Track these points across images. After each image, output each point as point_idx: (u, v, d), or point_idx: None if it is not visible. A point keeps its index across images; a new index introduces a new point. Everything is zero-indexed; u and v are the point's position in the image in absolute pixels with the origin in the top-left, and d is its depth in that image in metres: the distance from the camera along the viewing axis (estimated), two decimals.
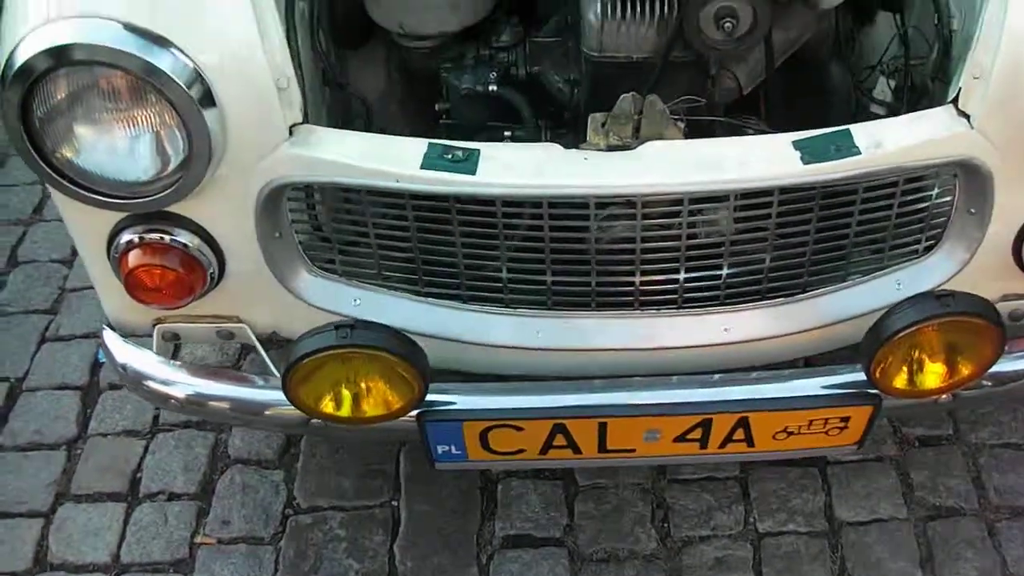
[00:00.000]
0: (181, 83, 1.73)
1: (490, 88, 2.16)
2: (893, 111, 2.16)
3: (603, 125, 1.85)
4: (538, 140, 2.18)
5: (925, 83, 2.10)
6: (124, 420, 2.91)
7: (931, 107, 2.02)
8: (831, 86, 2.37)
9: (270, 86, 1.82)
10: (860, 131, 1.87)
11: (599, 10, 1.99)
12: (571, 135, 2.19)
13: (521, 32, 2.23)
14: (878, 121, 1.92)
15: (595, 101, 2.02)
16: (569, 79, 2.18)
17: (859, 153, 1.84)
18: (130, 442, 2.86)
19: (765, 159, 1.85)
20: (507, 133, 2.18)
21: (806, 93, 2.32)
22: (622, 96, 1.87)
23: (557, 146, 1.87)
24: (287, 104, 1.84)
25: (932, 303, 1.87)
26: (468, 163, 1.83)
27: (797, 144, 1.85)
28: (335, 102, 2.24)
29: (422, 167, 1.83)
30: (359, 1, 2.18)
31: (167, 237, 1.94)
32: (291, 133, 1.85)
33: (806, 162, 1.83)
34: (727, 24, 1.93)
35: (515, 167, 1.84)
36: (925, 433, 2.78)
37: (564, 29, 2.22)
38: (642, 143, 1.86)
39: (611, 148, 1.85)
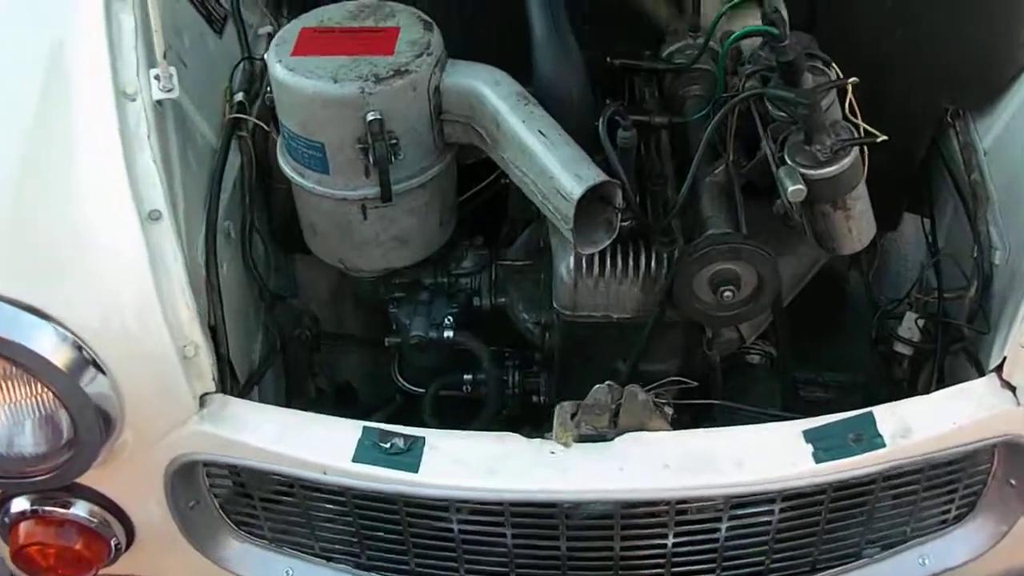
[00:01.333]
0: (57, 363, 1.47)
1: (446, 335, 1.84)
2: (921, 352, 1.85)
3: (572, 417, 1.52)
4: (503, 384, 1.89)
5: (960, 327, 1.78)
6: None
7: (965, 352, 1.77)
8: (848, 304, 2.07)
9: (172, 355, 1.55)
10: (884, 415, 1.57)
11: (572, 265, 1.68)
12: (543, 376, 1.90)
13: (486, 257, 1.92)
14: (906, 402, 1.61)
15: (569, 359, 1.76)
16: (540, 322, 1.86)
17: (883, 445, 1.55)
18: None
19: (769, 456, 1.54)
20: (467, 376, 1.89)
21: (820, 312, 2.01)
22: (596, 387, 1.54)
23: (516, 437, 1.55)
24: (195, 374, 1.58)
25: None
26: (409, 456, 1.54)
27: (808, 435, 1.55)
28: (276, 313, 1.95)
29: (354, 459, 1.54)
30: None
31: (64, 510, 1.66)
32: (202, 404, 1.59)
33: (819, 460, 1.53)
34: (726, 293, 1.61)
35: (466, 462, 1.54)
36: None
37: (535, 252, 1.91)
38: (620, 434, 1.54)
39: (583, 439, 1.53)
